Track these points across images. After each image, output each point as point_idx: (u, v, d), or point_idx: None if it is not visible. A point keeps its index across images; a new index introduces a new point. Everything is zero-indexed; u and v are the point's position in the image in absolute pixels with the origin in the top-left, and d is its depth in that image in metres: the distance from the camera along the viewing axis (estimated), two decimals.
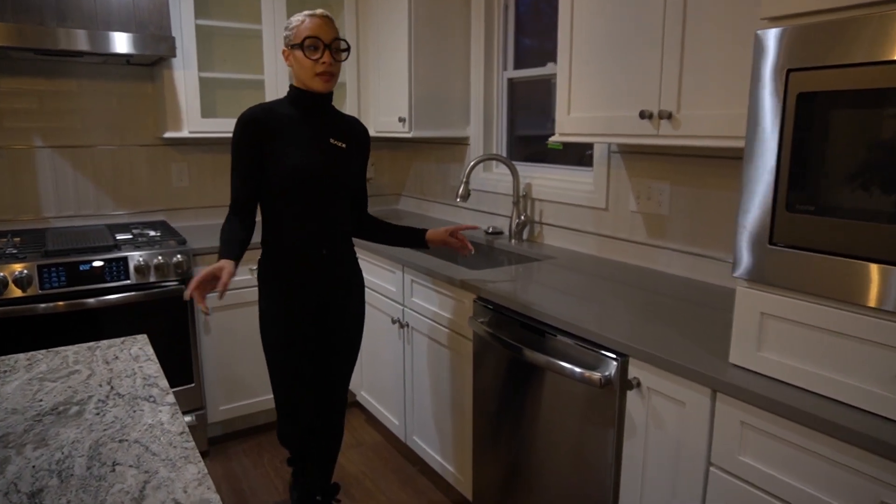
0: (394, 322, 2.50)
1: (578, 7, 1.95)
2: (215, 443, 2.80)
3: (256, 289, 2.74)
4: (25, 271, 2.24)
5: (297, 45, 1.75)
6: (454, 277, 2.08)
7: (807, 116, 1.14)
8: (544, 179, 2.64)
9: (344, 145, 1.89)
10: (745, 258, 1.26)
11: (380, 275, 2.60)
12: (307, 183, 1.79)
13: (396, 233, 2.09)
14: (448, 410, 2.24)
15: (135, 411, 1.11)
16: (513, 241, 2.66)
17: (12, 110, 2.70)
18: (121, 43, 2.40)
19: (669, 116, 1.68)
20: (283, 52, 1.82)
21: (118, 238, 2.59)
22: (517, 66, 2.87)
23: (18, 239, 2.55)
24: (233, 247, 1.74)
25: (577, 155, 2.62)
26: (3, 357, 1.37)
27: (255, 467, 2.61)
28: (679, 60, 1.65)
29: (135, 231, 2.75)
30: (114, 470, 0.91)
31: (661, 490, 1.43)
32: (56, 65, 2.76)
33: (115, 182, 2.96)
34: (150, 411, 1.11)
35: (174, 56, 2.53)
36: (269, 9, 2.86)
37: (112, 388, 1.21)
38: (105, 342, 1.47)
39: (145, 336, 1.51)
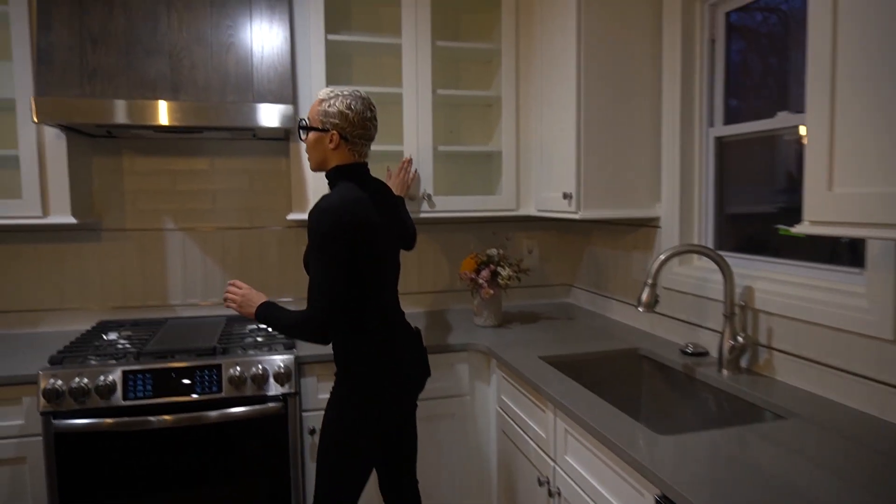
0: (541, 484, 1.76)
1: (843, 27, 1.17)
2: None
3: None
4: (111, 377, 1.93)
5: None
6: (626, 451, 1.31)
7: None
8: (774, 283, 1.78)
9: None
10: None
11: (526, 406, 1.90)
12: None
13: None
14: None
15: None
16: (724, 371, 1.80)
17: (147, 191, 2.55)
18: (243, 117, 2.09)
19: None
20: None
21: (234, 333, 2.25)
22: (728, 119, 2.07)
23: (129, 333, 2.31)
24: None
25: (827, 246, 1.74)
26: None
27: None
28: None
29: (251, 327, 2.39)
30: None
31: None
32: (187, 143, 2.58)
33: (244, 265, 2.67)
34: None
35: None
36: (410, 74, 2.43)
37: None
38: None
39: None
